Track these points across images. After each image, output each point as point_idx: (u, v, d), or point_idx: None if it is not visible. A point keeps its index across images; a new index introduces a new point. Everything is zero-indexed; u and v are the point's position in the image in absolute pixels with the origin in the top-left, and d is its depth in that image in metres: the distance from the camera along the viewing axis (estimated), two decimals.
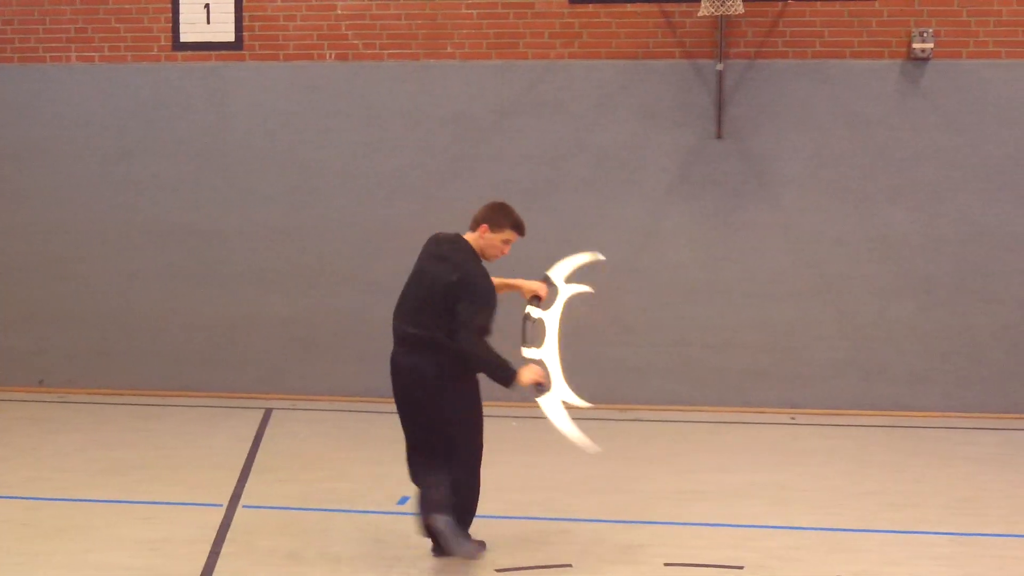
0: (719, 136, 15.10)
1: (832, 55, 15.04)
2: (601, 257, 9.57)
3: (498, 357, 8.75)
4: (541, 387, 8.73)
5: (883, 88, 15.03)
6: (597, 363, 15.13)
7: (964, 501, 10.97)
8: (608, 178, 15.36)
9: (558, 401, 8.78)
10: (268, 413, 14.75)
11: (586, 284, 9.38)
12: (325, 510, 10.37)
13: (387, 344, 15.81)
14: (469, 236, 8.97)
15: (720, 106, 15.08)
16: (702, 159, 15.13)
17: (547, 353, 8.91)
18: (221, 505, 10.41)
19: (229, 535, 9.54)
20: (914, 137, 14.98)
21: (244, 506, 10.43)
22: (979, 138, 14.91)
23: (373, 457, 12.43)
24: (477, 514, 10.03)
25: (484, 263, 8.93)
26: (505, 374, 8.71)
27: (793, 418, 14.81)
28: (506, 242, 8.93)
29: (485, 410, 9.01)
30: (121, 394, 15.72)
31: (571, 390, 8.83)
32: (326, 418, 14.64)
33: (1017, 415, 14.79)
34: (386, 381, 15.74)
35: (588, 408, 8.88)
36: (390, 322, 15.82)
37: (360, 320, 15.60)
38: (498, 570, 8.75)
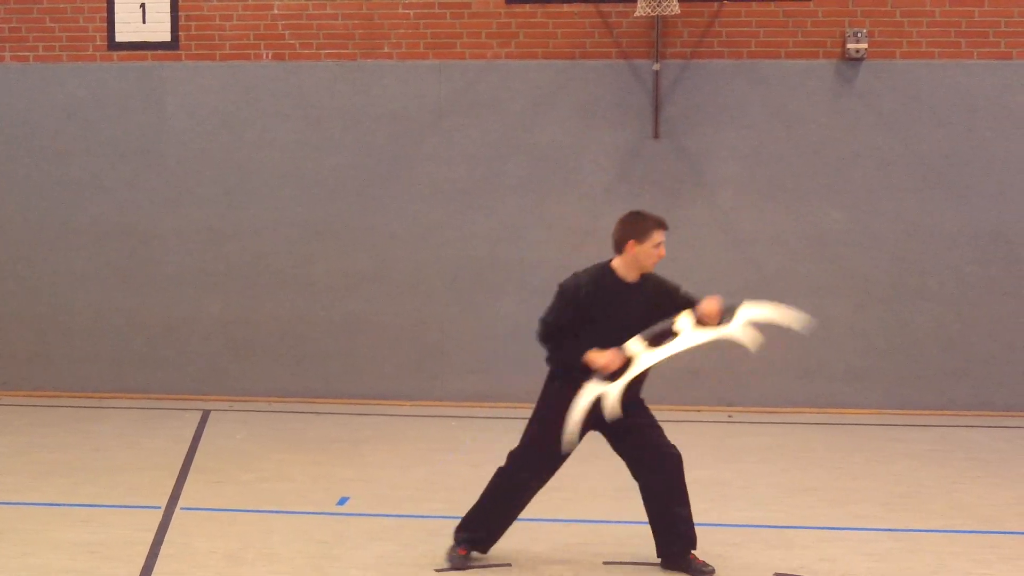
0: (656, 136, 15.16)
1: (767, 55, 15.13)
2: (809, 324, 9.22)
3: (566, 345, 8.74)
4: (601, 374, 8.51)
5: (818, 88, 15.13)
6: (535, 362, 15.10)
7: (901, 497, 11.06)
8: (546, 178, 15.39)
9: (596, 393, 8.57)
10: (206, 414, 14.69)
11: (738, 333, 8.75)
12: (264, 511, 10.33)
13: (323, 344, 15.88)
14: (617, 260, 8.79)
15: (657, 106, 15.14)
16: (639, 158, 15.18)
17: (647, 358, 8.68)
18: (159, 507, 10.36)
19: (167, 537, 9.49)
20: (849, 136, 15.09)
21: (182, 508, 10.38)
22: (913, 137, 15.04)
23: (312, 458, 12.42)
24: (417, 514, 10.09)
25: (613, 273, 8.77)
26: (572, 360, 8.65)
27: (730, 416, 14.89)
28: (657, 245, 8.71)
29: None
30: (58, 396, 15.62)
31: (617, 401, 8.59)
32: (264, 419, 14.59)
33: (953, 412, 14.92)
34: (323, 381, 15.82)
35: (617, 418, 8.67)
36: (328, 322, 15.90)
37: (298, 321, 15.59)
38: (437, 570, 8.75)
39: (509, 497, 8.93)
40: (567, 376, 8.69)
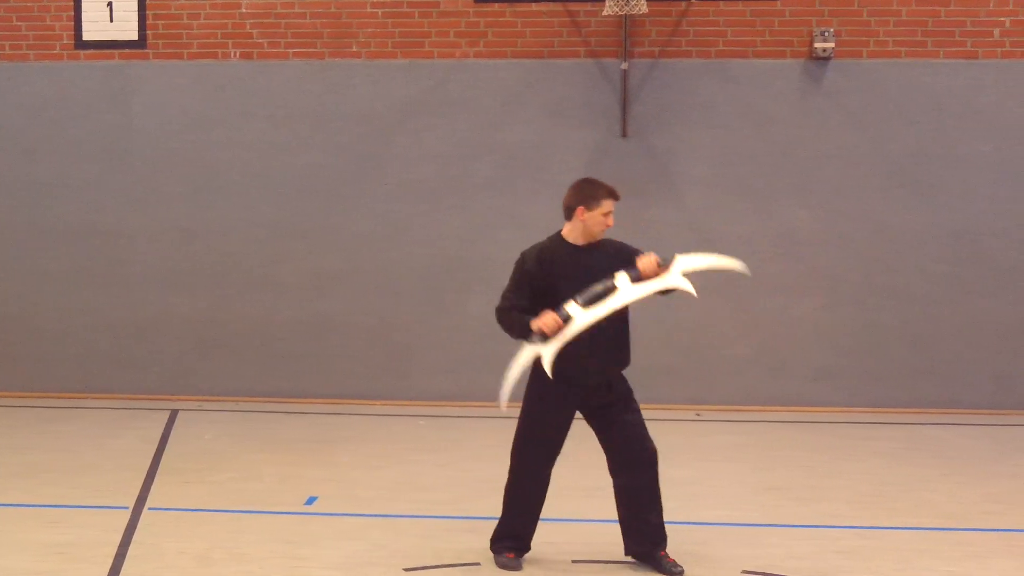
0: (624, 135, 15.19)
1: (735, 54, 15.17)
2: (744, 270, 9.09)
3: (514, 318, 8.82)
4: (543, 336, 8.52)
5: (786, 87, 15.18)
6: (504, 361, 15.12)
7: (868, 495, 11.11)
8: (514, 177, 15.40)
9: (535, 353, 8.58)
10: (174, 414, 14.66)
11: (694, 288, 8.81)
12: (233, 511, 10.31)
13: (292, 344, 15.84)
14: (566, 227, 8.87)
15: (625, 105, 15.17)
16: (607, 158, 15.19)
17: (585, 317, 8.51)
18: (127, 508, 10.33)
19: (135, 537, 9.47)
20: (817, 135, 15.14)
21: (150, 508, 10.36)
22: (880, 136, 15.10)
23: (281, 458, 12.40)
24: (387, 513, 10.09)
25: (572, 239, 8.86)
26: (522, 330, 8.74)
27: (698, 414, 14.91)
28: (607, 214, 8.75)
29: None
30: (25, 396, 15.55)
31: (550, 358, 8.54)
32: (233, 419, 14.58)
33: (920, 410, 14.98)
34: (292, 381, 15.78)
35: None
36: (297, 322, 15.86)
37: (266, 320, 15.57)
38: (406, 569, 8.75)
39: (526, 496, 8.94)
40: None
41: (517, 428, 8.93)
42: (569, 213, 8.82)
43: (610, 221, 8.78)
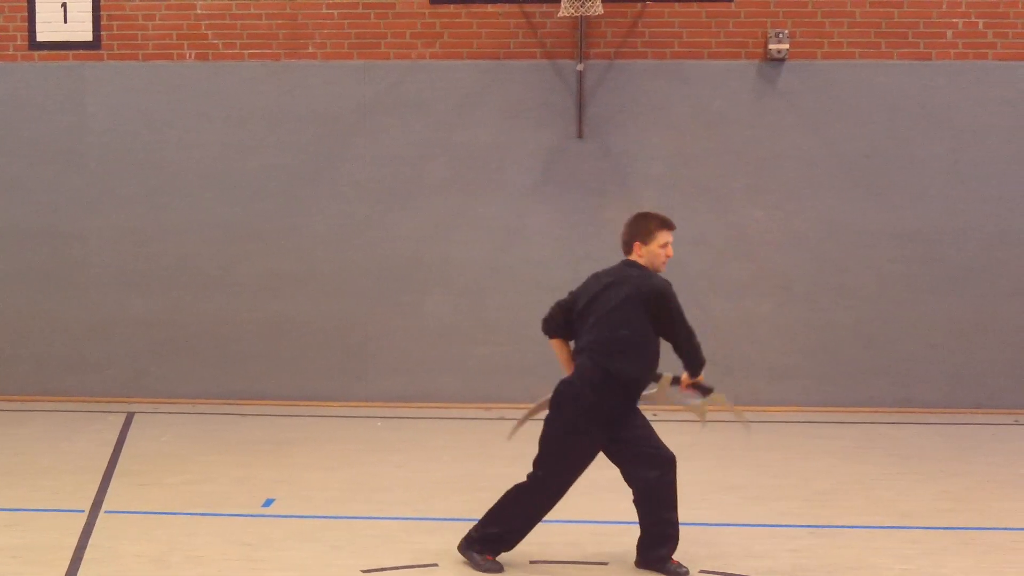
0: (580, 136, 15.22)
1: (690, 55, 15.22)
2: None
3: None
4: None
5: (740, 88, 15.24)
6: (461, 362, 15.21)
7: (822, 494, 11.17)
8: (470, 178, 15.41)
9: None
10: (130, 417, 14.60)
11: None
12: (190, 514, 10.30)
13: (248, 345, 15.76)
14: (635, 260, 8.89)
15: (581, 106, 15.20)
16: (564, 158, 15.24)
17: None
18: (83, 511, 10.30)
19: (92, 540, 9.44)
20: (771, 136, 15.21)
21: (107, 511, 10.33)
22: (834, 137, 15.18)
23: (237, 460, 12.39)
24: (343, 515, 10.10)
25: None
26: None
27: (654, 415, 14.93)
28: (664, 245, 8.78)
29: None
30: None
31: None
32: (189, 421, 14.53)
33: (874, 408, 15.07)
34: (249, 383, 15.70)
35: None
36: (253, 323, 15.79)
37: (223, 322, 15.53)
38: (363, 570, 8.76)
39: (540, 508, 8.85)
40: (603, 387, 8.84)
41: (547, 444, 8.83)
42: (627, 248, 8.89)
43: (669, 252, 8.86)
